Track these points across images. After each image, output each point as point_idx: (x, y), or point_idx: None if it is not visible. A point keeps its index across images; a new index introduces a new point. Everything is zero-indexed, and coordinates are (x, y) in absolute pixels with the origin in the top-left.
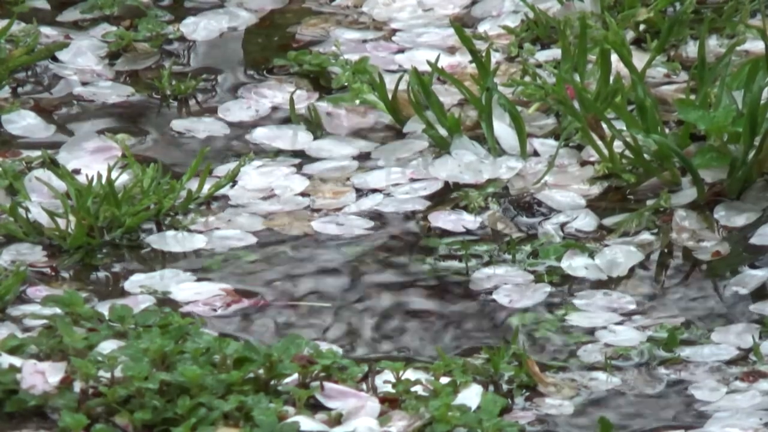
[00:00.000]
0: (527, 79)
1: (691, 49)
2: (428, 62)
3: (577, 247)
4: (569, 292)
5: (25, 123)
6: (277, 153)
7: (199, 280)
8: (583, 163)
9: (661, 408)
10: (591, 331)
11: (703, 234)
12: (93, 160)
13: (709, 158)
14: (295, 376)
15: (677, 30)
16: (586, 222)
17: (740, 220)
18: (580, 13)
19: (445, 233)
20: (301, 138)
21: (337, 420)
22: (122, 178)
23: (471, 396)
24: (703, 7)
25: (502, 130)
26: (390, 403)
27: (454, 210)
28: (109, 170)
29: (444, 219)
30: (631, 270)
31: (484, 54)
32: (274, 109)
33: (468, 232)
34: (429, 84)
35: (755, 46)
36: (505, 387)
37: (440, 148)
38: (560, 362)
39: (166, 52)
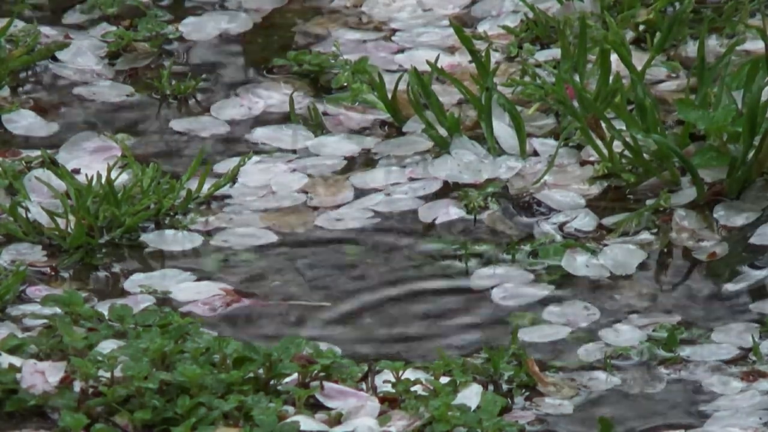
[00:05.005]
0: (527, 79)
1: (690, 49)
2: (428, 62)
3: (577, 246)
4: (567, 292)
5: (25, 122)
6: (277, 152)
7: (199, 279)
8: (583, 163)
9: (661, 407)
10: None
11: (703, 234)
12: (93, 159)
13: (708, 158)
14: (295, 375)
15: (677, 30)
16: (585, 222)
17: (740, 220)
18: (579, 13)
19: (443, 232)
20: (300, 137)
21: (337, 420)
22: (122, 178)
23: (471, 396)
24: (702, 6)
25: (502, 129)
26: (390, 402)
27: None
28: (109, 170)
29: (436, 213)
30: None
31: (483, 54)
32: (274, 108)
33: (464, 229)
34: (429, 84)
35: (755, 46)
36: (504, 387)
37: (440, 147)
38: (560, 362)
39: (165, 51)
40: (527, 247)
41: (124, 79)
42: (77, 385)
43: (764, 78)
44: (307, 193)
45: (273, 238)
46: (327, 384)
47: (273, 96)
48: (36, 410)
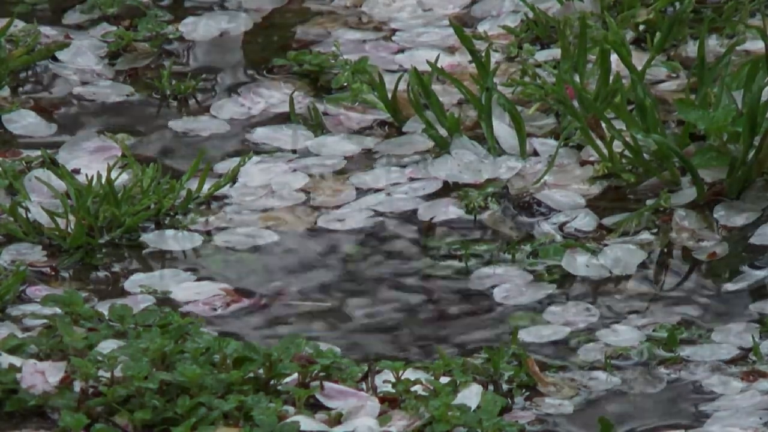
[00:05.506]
0: (527, 79)
1: (691, 49)
2: (428, 62)
3: (577, 246)
4: (567, 292)
5: (25, 122)
6: (277, 152)
7: (199, 279)
8: (583, 163)
9: (661, 408)
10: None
11: (703, 234)
12: (93, 159)
13: (708, 158)
14: (295, 375)
15: (677, 30)
16: (585, 222)
17: (740, 220)
18: (579, 13)
19: (444, 231)
20: (301, 137)
21: (337, 420)
22: (122, 178)
23: (471, 396)
24: (702, 6)
25: (502, 129)
26: (390, 402)
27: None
28: (109, 170)
29: (436, 213)
30: None
31: (483, 54)
32: (274, 108)
33: (464, 229)
34: (429, 84)
35: (755, 46)
36: (505, 387)
37: (440, 147)
38: (560, 362)
39: (165, 51)
40: (527, 247)
41: (124, 79)
42: (77, 385)
43: (764, 78)
44: (307, 193)
45: (273, 238)
46: (327, 384)
47: (273, 96)
48: (36, 410)
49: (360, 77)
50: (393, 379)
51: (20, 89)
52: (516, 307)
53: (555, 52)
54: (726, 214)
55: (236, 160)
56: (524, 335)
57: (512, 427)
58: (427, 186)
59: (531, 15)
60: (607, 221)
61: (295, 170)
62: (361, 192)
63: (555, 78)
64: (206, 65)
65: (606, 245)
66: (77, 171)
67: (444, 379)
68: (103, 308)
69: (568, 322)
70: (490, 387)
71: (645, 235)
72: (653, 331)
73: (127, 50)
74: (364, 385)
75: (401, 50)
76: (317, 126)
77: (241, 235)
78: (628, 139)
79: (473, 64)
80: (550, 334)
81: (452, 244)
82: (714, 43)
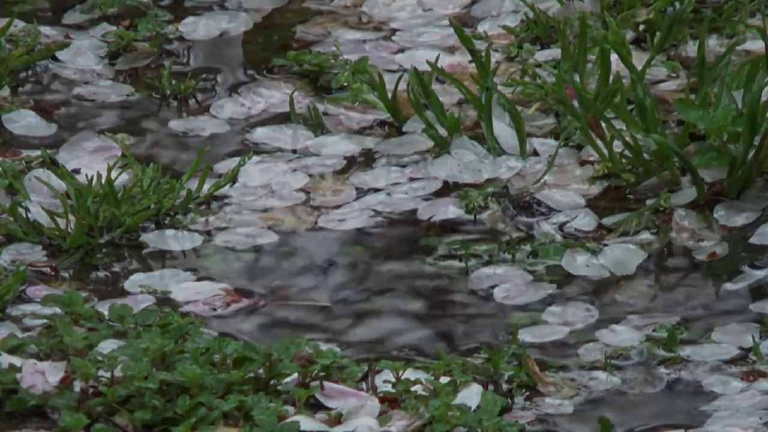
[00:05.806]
0: (527, 79)
1: (691, 49)
2: (428, 62)
3: (577, 246)
4: (567, 292)
5: (25, 122)
6: (277, 152)
7: (199, 279)
8: (583, 163)
9: (661, 407)
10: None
11: (703, 234)
12: (93, 159)
13: (708, 158)
14: (295, 375)
15: (677, 30)
16: (585, 221)
17: (740, 220)
18: (579, 13)
19: (443, 231)
20: (301, 137)
21: (337, 420)
22: (122, 178)
23: (471, 395)
24: (702, 6)
25: (502, 129)
26: (390, 402)
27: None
28: (109, 170)
29: (436, 213)
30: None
31: (483, 54)
32: (274, 108)
33: (464, 229)
34: (429, 84)
35: (755, 46)
36: (505, 386)
37: (440, 147)
38: (560, 362)
39: (165, 51)
40: (527, 247)
41: (124, 79)
42: (77, 385)
43: (764, 78)
44: (307, 193)
45: (273, 238)
46: (327, 384)
47: (273, 96)
48: (36, 410)
49: (360, 77)
50: (393, 379)
51: (20, 89)
52: (516, 307)
53: (555, 52)
54: (726, 214)
55: (236, 160)
56: (524, 335)
57: (512, 427)
58: (427, 186)
59: (531, 15)
60: (607, 221)
61: (295, 170)
62: (361, 192)
63: (555, 78)
64: (206, 65)
65: (606, 245)
66: (77, 171)
67: (444, 379)
68: (103, 308)
69: (567, 322)
70: (490, 387)
71: (645, 235)
72: (653, 331)
73: (127, 50)
74: (364, 385)
75: (401, 50)
76: (317, 126)
77: (241, 235)
78: (628, 139)
79: (473, 64)
80: (550, 334)
81: (452, 244)
82: (714, 43)
